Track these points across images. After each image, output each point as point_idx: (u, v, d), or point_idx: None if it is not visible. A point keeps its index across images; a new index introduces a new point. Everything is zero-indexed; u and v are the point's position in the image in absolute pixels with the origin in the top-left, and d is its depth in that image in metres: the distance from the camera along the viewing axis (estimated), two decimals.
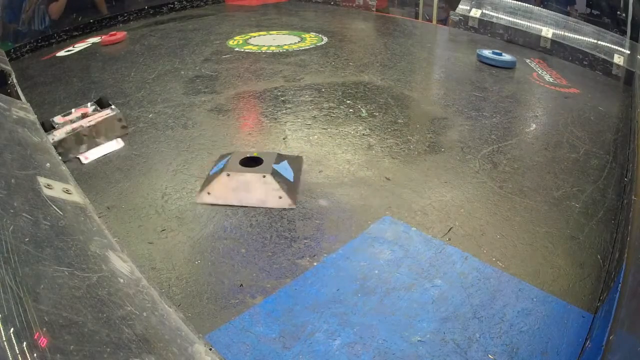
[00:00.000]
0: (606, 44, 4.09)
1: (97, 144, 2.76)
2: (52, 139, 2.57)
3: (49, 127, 2.71)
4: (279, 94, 3.37)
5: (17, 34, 4.64)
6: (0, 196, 1.15)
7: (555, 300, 1.64)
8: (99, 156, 2.67)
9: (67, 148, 2.64)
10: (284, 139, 2.74)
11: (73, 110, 2.97)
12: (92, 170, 2.47)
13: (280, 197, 2.14)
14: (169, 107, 3.21)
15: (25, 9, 4.67)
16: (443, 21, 5.51)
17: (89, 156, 2.69)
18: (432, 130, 2.89)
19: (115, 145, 2.79)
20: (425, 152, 2.63)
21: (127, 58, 4.30)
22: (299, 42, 4.67)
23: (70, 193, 1.38)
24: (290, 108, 3.13)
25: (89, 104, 3.04)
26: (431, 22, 5.56)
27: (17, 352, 0.74)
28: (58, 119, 2.86)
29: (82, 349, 0.81)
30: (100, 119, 2.84)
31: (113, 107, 2.97)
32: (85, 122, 2.80)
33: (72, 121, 2.82)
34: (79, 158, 2.63)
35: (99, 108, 2.99)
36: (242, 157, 2.31)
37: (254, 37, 4.87)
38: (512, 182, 2.34)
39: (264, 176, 2.15)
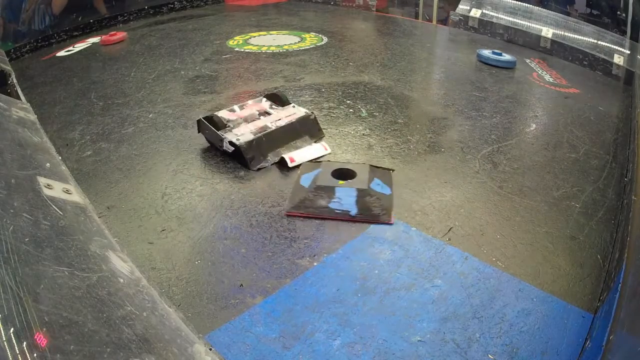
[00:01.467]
0: (606, 44, 4.09)
1: (295, 147, 2.50)
2: (236, 140, 2.36)
3: (221, 125, 2.51)
4: None
5: (17, 34, 4.64)
6: (0, 196, 1.15)
7: (555, 300, 1.64)
8: (305, 160, 2.43)
9: (259, 151, 2.40)
10: None
11: (236, 107, 2.71)
12: (92, 170, 2.47)
13: (378, 213, 2.05)
14: (169, 107, 3.21)
15: (26, 8, 4.68)
16: (443, 21, 5.51)
17: (295, 158, 2.42)
18: (432, 130, 2.89)
19: (321, 149, 2.51)
20: (425, 152, 2.63)
21: (127, 58, 4.30)
22: (299, 42, 4.67)
23: (70, 193, 1.39)
24: None
25: (262, 99, 2.82)
26: (431, 22, 5.56)
27: (17, 352, 0.74)
28: (227, 114, 2.64)
29: (82, 349, 0.81)
30: (293, 118, 2.60)
31: (294, 105, 2.77)
32: (272, 121, 2.57)
33: (247, 119, 2.61)
34: (282, 159, 2.43)
35: (274, 105, 2.77)
36: (334, 168, 2.24)
37: (254, 37, 4.87)
38: (512, 182, 2.34)
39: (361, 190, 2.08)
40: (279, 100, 2.82)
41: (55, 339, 0.80)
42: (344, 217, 2.04)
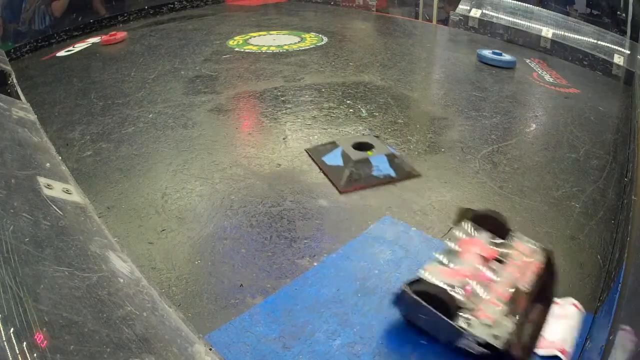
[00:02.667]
0: (606, 44, 4.09)
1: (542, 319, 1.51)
2: (492, 337, 1.35)
3: (452, 304, 1.42)
4: (279, 94, 3.37)
5: (17, 34, 4.64)
6: (0, 196, 1.15)
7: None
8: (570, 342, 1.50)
9: (525, 343, 1.41)
10: (284, 139, 2.74)
11: (447, 255, 1.59)
12: (92, 170, 2.47)
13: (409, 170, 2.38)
14: (169, 107, 3.21)
15: (26, 8, 4.67)
16: (443, 21, 5.51)
17: (566, 347, 1.47)
18: (432, 130, 2.89)
19: (576, 313, 1.59)
20: (425, 152, 2.63)
21: (127, 58, 4.30)
22: (299, 42, 4.67)
23: (70, 193, 1.38)
24: (290, 108, 3.13)
25: (474, 230, 1.70)
26: (431, 22, 5.56)
27: (17, 352, 0.74)
28: (447, 274, 1.51)
29: (82, 349, 0.81)
30: (532, 265, 1.58)
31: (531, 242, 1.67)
32: (513, 277, 1.53)
33: (474, 276, 1.51)
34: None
35: (492, 236, 1.68)
36: (351, 143, 2.48)
37: (254, 37, 4.87)
38: (512, 182, 2.34)
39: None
40: (495, 224, 1.74)
41: (55, 339, 0.80)
42: (387, 181, 2.29)
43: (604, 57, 4.05)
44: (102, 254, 1.14)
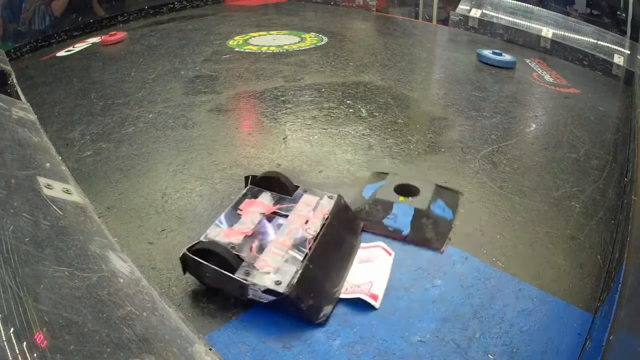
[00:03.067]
0: (606, 44, 4.09)
1: (347, 264, 1.71)
2: (275, 283, 1.48)
3: (230, 258, 1.53)
4: (279, 94, 3.37)
5: (17, 34, 4.64)
6: (0, 196, 1.15)
7: (555, 300, 1.64)
8: (384, 286, 1.66)
9: (313, 289, 1.55)
10: (284, 139, 2.74)
11: (223, 218, 1.76)
12: (92, 170, 2.47)
13: (431, 238, 1.89)
14: (169, 107, 3.21)
15: (26, 8, 4.68)
16: (443, 21, 5.51)
17: (376, 291, 1.62)
18: (432, 130, 2.89)
19: (384, 256, 1.75)
20: (425, 152, 2.63)
21: (127, 58, 4.30)
22: (299, 42, 4.67)
23: (70, 193, 1.39)
24: (290, 108, 3.13)
25: (257, 191, 1.90)
26: (431, 22, 5.56)
27: (17, 352, 0.74)
28: (222, 234, 1.68)
29: (82, 349, 0.81)
30: (322, 213, 1.77)
31: (303, 187, 1.93)
32: (298, 228, 1.70)
33: (256, 234, 1.70)
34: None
35: (277, 195, 1.89)
36: (398, 183, 2.11)
37: (254, 37, 4.87)
38: (512, 182, 2.34)
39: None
40: (278, 184, 1.90)
41: (55, 339, 0.80)
42: (395, 235, 1.87)
43: (604, 57, 4.05)
44: (102, 254, 1.14)
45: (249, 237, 1.67)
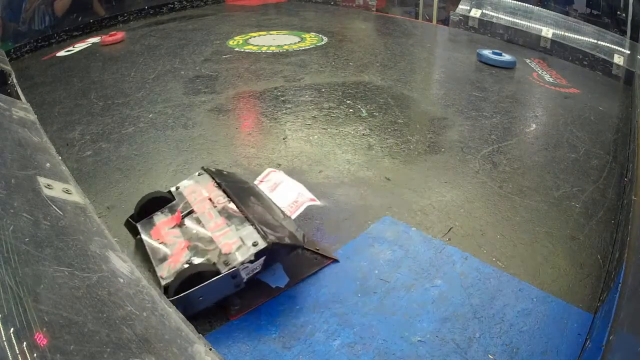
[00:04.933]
0: (606, 44, 4.09)
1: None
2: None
3: (210, 270, 1.50)
4: (279, 94, 3.37)
5: (17, 34, 4.64)
6: (0, 196, 1.15)
7: (555, 300, 1.64)
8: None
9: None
10: (284, 139, 2.74)
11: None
12: (92, 170, 2.47)
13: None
14: (169, 107, 3.21)
15: (26, 8, 4.68)
16: (443, 21, 5.51)
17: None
18: (432, 130, 2.89)
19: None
20: (425, 152, 2.63)
21: (127, 58, 4.30)
22: (299, 42, 4.67)
23: (70, 193, 1.38)
24: (290, 108, 3.13)
25: (183, 191, 1.89)
26: (431, 22, 5.56)
27: (17, 352, 0.74)
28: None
29: (82, 349, 0.81)
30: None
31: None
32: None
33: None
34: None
35: (167, 211, 1.84)
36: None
37: (254, 37, 4.87)
38: (512, 182, 2.34)
39: None
40: (158, 202, 1.89)
41: (55, 339, 0.80)
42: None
43: (604, 57, 4.05)
44: (102, 254, 1.14)
45: (188, 247, 1.65)
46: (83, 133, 2.86)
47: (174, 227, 1.75)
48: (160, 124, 2.97)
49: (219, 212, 1.72)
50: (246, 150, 2.63)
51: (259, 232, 1.56)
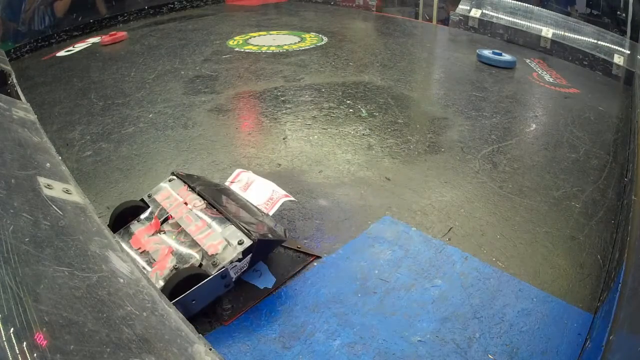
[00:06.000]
0: (606, 44, 4.09)
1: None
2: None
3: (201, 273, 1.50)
4: (279, 94, 3.37)
5: (17, 34, 4.64)
6: (0, 196, 1.15)
7: (555, 300, 1.64)
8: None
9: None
10: (284, 139, 2.74)
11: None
12: (92, 170, 2.47)
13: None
14: (169, 107, 3.21)
15: (26, 8, 4.68)
16: (443, 21, 5.51)
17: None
18: (432, 130, 2.89)
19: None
20: (425, 152, 2.62)
21: (127, 58, 4.30)
22: (299, 42, 4.67)
23: (70, 193, 1.38)
24: (290, 108, 3.13)
25: (155, 199, 1.86)
26: (431, 22, 5.56)
27: (17, 352, 0.74)
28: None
29: (82, 349, 0.81)
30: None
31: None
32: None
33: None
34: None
35: (143, 220, 1.81)
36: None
37: (254, 37, 4.87)
38: (512, 182, 2.34)
39: None
40: (131, 212, 1.86)
41: (55, 339, 0.80)
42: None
43: (604, 57, 4.05)
44: (102, 254, 1.14)
45: (172, 252, 1.64)
46: (83, 133, 2.86)
47: (153, 234, 1.74)
48: (160, 124, 2.97)
49: (197, 215, 1.73)
50: (246, 150, 2.63)
51: (242, 231, 1.58)
